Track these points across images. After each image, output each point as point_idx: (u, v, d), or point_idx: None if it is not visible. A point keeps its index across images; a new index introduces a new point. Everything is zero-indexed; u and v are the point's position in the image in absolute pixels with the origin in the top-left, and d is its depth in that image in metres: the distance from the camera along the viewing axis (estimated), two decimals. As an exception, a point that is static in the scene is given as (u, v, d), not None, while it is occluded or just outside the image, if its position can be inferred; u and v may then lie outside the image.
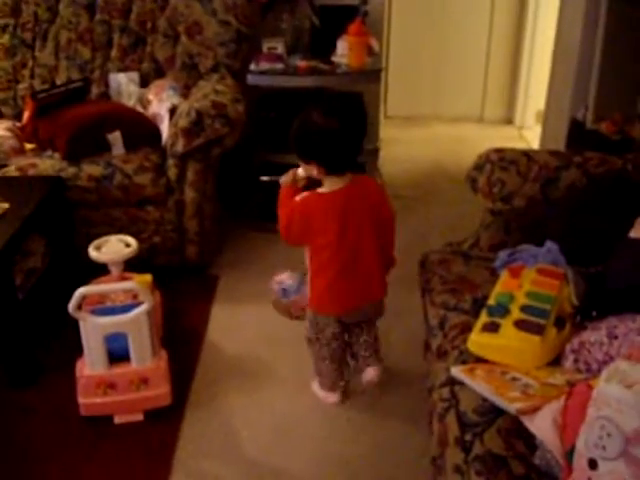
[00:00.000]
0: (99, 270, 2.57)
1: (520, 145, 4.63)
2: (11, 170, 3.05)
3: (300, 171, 2.28)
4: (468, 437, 1.53)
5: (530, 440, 1.44)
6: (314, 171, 2.18)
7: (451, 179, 4.38)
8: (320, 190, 2.23)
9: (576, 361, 1.67)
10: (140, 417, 2.38)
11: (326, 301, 2.33)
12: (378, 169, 3.98)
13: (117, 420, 2.37)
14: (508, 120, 5.60)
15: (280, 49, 3.56)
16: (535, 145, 4.59)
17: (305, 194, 2.24)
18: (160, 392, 2.37)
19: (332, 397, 2.48)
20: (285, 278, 2.55)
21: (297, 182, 2.29)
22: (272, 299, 2.56)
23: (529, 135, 5.20)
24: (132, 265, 2.62)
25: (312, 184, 2.28)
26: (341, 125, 2.11)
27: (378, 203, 2.30)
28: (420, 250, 2.50)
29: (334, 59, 3.53)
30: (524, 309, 1.80)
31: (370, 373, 2.48)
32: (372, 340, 2.49)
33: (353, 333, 2.48)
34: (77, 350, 2.33)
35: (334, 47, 3.57)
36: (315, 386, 2.53)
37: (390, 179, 4.25)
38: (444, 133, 5.36)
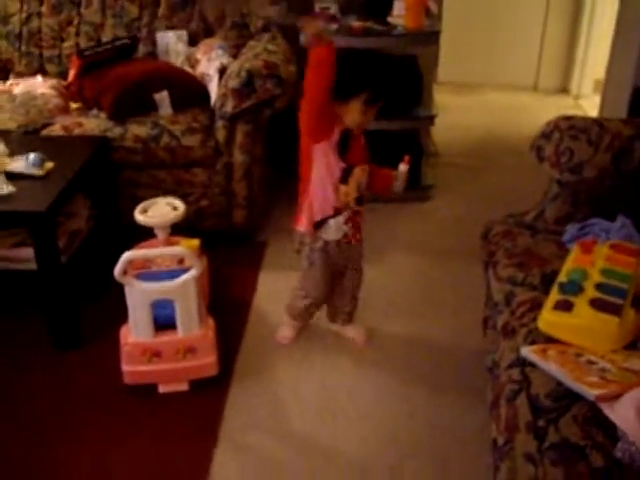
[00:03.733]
0: (144, 233, 2.48)
1: (577, 114, 4.45)
2: (56, 129, 2.98)
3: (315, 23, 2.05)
4: (541, 423, 1.42)
5: (610, 430, 1.33)
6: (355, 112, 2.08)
7: (506, 148, 4.24)
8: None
9: (657, 345, 1.56)
10: (185, 387, 2.31)
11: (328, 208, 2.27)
12: (431, 136, 3.84)
13: (162, 389, 2.31)
14: (563, 89, 5.40)
15: (333, 9, 3.43)
16: (593, 115, 4.40)
17: None
18: (207, 362, 2.29)
19: (288, 331, 2.57)
20: None
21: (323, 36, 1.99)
22: None
23: (586, 104, 5.02)
24: (178, 229, 2.53)
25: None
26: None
27: None
28: (477, 221, 2.39)
29: (390, 20, 3.39)
30: (599, 287, 1.69)
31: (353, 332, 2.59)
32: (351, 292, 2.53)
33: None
34: (119, 315, 2.26)
35: (390, 8, 3.42)
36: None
37: (443, 147, 4.12)
38: (497, 101, 5.19)
